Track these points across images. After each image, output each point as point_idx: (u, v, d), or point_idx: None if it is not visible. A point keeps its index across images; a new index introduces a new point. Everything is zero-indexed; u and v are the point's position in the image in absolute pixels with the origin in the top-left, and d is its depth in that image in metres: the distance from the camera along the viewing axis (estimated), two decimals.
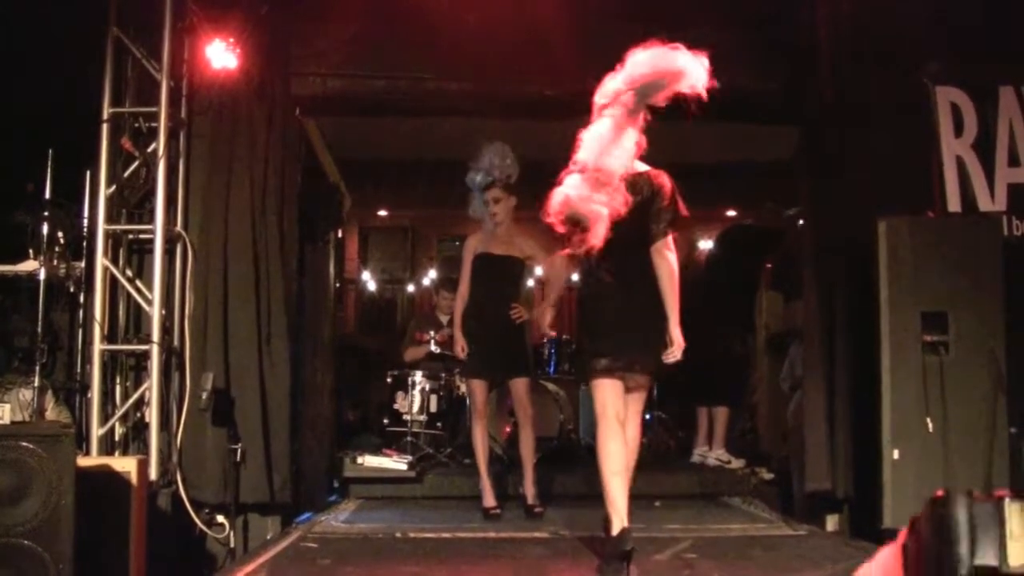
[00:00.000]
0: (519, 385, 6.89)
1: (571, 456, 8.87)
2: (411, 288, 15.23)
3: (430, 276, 14.68)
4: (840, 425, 6.56)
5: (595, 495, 5.04)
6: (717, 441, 8.36)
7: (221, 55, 6.45)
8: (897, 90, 6.69)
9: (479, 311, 6.94)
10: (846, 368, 6.59)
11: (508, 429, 8.65)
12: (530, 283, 11.71)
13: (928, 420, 5.84)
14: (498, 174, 6.84)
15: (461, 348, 6.92)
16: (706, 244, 9.17)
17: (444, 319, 9.41)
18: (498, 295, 6.95)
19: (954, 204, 6.62)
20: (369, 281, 15.16)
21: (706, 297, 8.28)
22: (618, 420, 4.95)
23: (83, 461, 5.12)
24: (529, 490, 6.90)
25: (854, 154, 6.74)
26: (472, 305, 6.98)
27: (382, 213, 15.01)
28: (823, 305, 6.80)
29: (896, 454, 5.86)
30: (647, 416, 9.30)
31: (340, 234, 10.14)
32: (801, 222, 8.30)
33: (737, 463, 8.40)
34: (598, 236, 5.30)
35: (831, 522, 6.72)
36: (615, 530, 4.78)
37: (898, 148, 6.66)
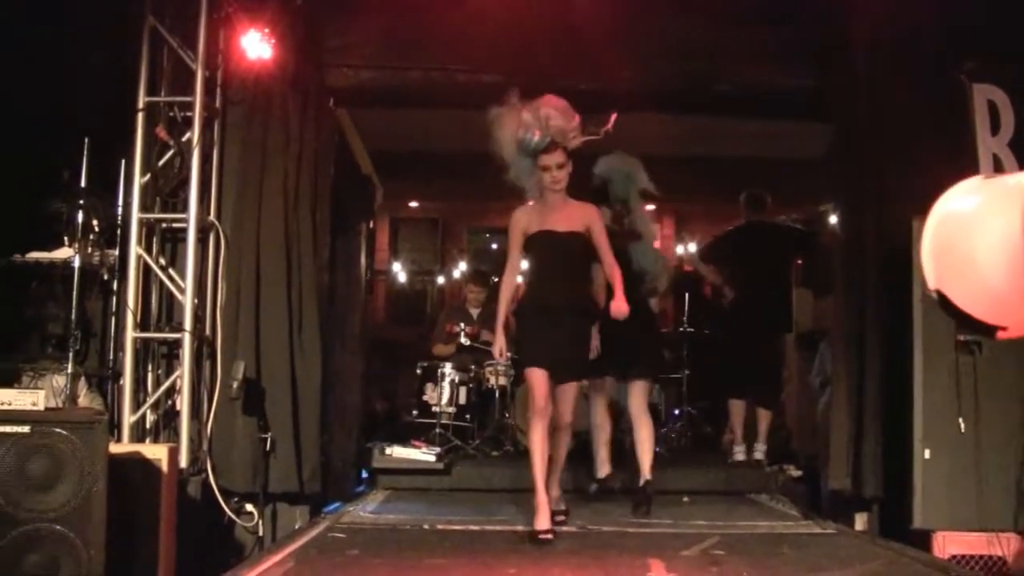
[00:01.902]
0: (569, 390, 5.99)
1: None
2: (441, 280, 15.26)
3: (460, 268, 14.70)
4: (869, 423, 6.52)
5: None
6: (762, 437, 8.31)
7: (256, 45, 6.49)
8: (933, 87, 6.64)
9: (543, 301, 5.98)
10: (876, 366, 6.55)
11: None
12: None
13: (960, 420, 5.81)
14: (557, 133, 5.82)
15: (500, 351, 6.06)
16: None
17: (474, 312, 9.42)
18: (567, 281, 5.99)
19: None
20: (399, 272, 15.20)
21: (748, 296, 8.26)
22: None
23: (115, 448, 5.15)
24: (554, 491, 6.16)
25: (888, 152, 6.69)
26: (533, 294, 6.11)
27: (413, 204, 15.05)
28: (853, 303, 6.76)
29: (927, 454, 5.83)
30: (676, 411, 9.30)
31: (372, 224, 10.17)
32: (833, 219, 8.27)
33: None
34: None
35: (859, 521, 6.67)
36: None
37: (933, 146, 6.60)
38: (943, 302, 2.16)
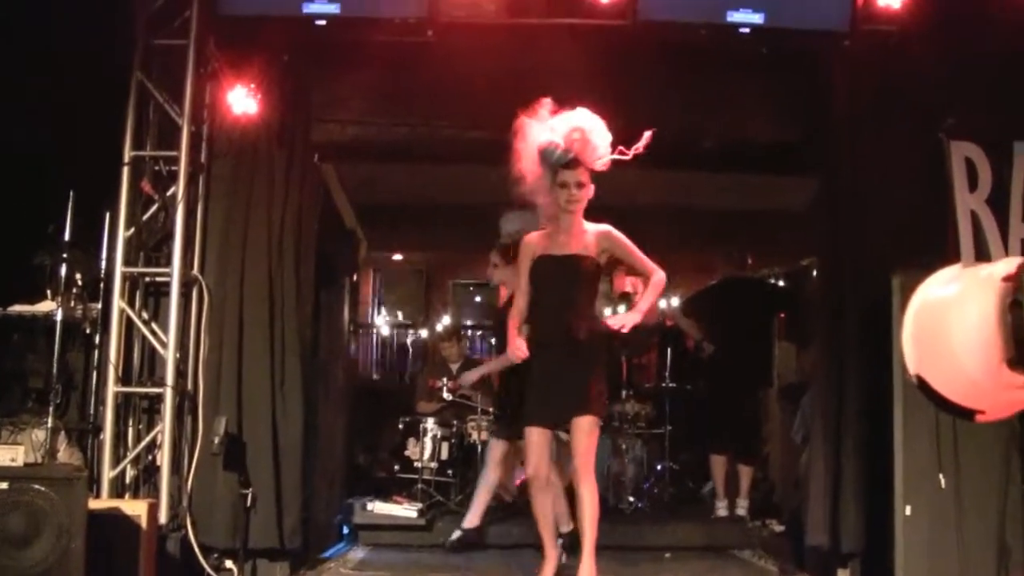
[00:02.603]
0: (580, 426, 5.35)
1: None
2: (424, 332, 15.27)
3: (442, 322, 14.70)
4: (848, 479, 6.52)
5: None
6: (744, 493, 8.30)
7: (242, 101, 6.53)
8: (912, 144, 6.70)
9: (539, 335, 5.56)
10: (855, 422, 6.57)
11: (521, 478, 8.63)
12: None
13: (941, 476, 5.82)
14: (582, 150, 5.43)
15: (518, 348, 5.49)
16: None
17: (454, 367, 9.42)
18: (563, 308, 5.51)
19: (968, 259, 6.58)
20: (383, 324, 15.19)
21: (729, 351, 8.29)
22: None
23: (94, 504, 5.14)
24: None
25: (868, 206, 6.75)
26: (531, 328, 5.64)
27: (397, 257, 15.08)
28: (833, 356, 6.79)
29: (908, 510, 5.84)
30: (658, 466, 9.29)
31: (355, 277, 10.18)
32: (815, 272, 8.33)
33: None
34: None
35: None
36: None
37: (913, 201, 6.67)
38: (923, 386, 2.21)
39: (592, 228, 5.58)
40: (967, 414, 2.20)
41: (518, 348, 5.50)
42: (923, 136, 6.70)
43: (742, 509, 8.22)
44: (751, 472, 8.36)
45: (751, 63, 6.73)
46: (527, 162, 5.48)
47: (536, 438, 5.41)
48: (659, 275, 5.58)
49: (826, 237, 7.10)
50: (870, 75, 6.76)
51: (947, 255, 6.54)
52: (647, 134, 5.38)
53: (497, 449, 7.30)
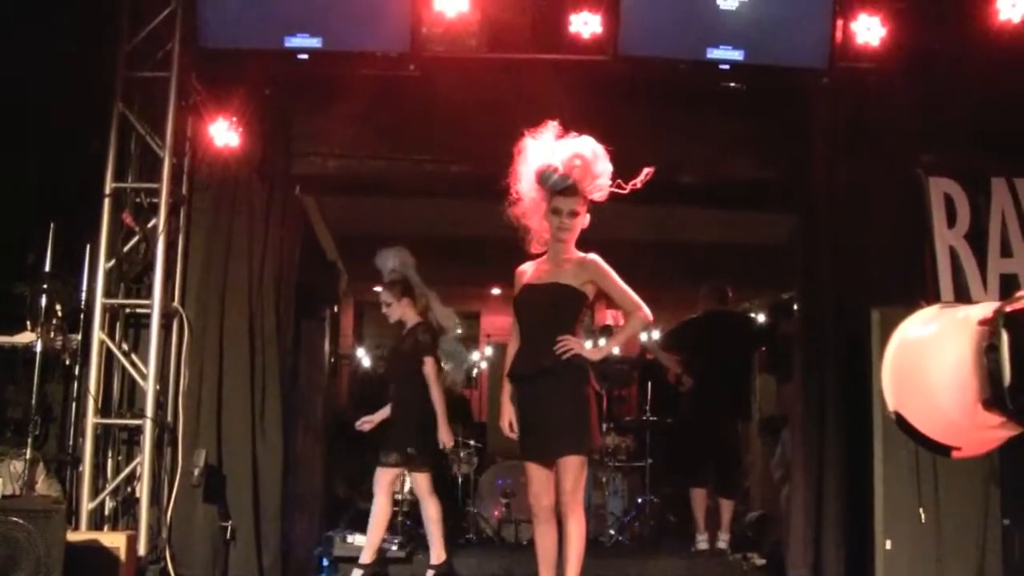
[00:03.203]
0: (565, 466, 5.08)
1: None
2: None
3: None
4: (829, 513, 6.56)
5: None
6: (725, 527, 8.29)
7: (223, 134, 6.55)
8: (891, 180, 6.79)
9: (516, 368, 5.31)
10: (836, 456, 6.60)
11: (498, 512, 8.62)
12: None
13: (921, 511, 5.84)
14: (580, 177, 5.16)
15: (508, 423, 5.34)
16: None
17: None
18: (542, 338, 5.18)
19: (947, 294, 6.66)
20: (363, 357, 15.14)
21: (709, 384, 8.29)
22: None
23: (72, 536, 5.11)
24: None
25: (848, 242, 6.83)
26: (511, 362, 5.37)
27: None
28: (813, 390, 6.83)
29: (888, 544, 5.85)
30: (639, 500, 9.27)
31: (336, 309, 10.17)
32: (795, 307, 8.36)
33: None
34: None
35: None
36: None
37: (892, 237, 6.75)
38: (901, 423, 2.24)
39: (579, 257, 5.30)
40: (944, 450, 2.23)
41: (507, 427, 5.34)
42: (901, 172, 6.79)
43: (723, 542, 8.21)
44: (732, 505, 8.35)
45: (731, 99, 6.77)
46: (524, 184, 5.26)
47: (532, 471, 5.22)
48: (640, 313, 5.23)
49: (805, 272, 7.16)
50: (848, 112, 6.86)
51: (926, 290, 6.61)
52: (646, 170, 5.26)
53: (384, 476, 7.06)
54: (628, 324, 5.41)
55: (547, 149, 5.19)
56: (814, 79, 6.50)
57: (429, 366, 6.80)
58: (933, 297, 6.64)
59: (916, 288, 6.66)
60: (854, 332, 6.39)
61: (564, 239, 5.25)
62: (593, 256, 5.31)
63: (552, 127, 5.22)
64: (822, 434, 6.65)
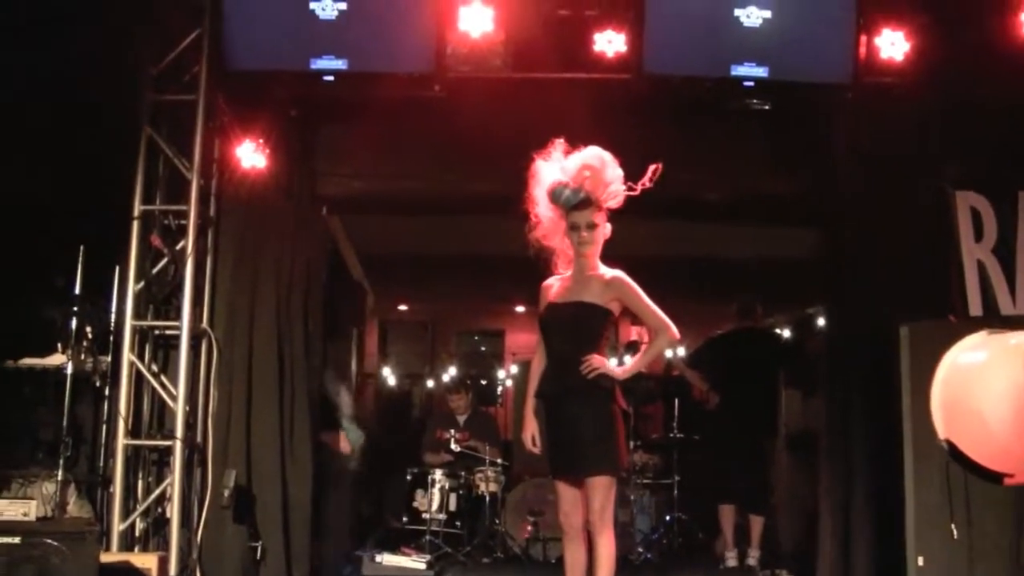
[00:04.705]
0: (593, 486, 5.06)
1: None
2: (430, 383, 15.25)
3: (450, 372, 14.69)
4: (859, 528, 6.52)
5: None
6: (754, 543, 8.26)
7: (250, 155, 6.61)
8: (917, 194, 6.77)
9: (543, 388, 5.29)
10: (864, 471, 6.57)
11: (527, 530, 8.60)
12: None
13: (953, 527, 5.80)
14: (592, 188, 5.11)
15: (531, 438, 5.34)
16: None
17: (461, 419, 9.42)
18: (567, 358, 5.14)
19: (975, 308, 6.62)
20: (389, 376, 15.19)
21: (736, 401, 8.28)
22: None
23: (104, 557, 5.15)
24: None
25: (874, 256, 6.79)
26: (539, 381, 5.34)
27: (402, 307, 15.11)
28: (841, 406, 6.80)
29: (920, 561, 5.81)
30: (667, 517, 9.25)
31: (361, 328, 10.21)
32: (820, 322, 8.35)
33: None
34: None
35: None
36: None
37: (918, 251, 6.72)
38: (952, 451, 2.24)
39: (606, 274, 5.23)
40: (996, 477, 2.23)
41: (530, 441, 5.33)
42: (927, 186, 6.76)
43: (753, 559, 8.18)
44: (761, 521, 8.32)
45: (754, 115, 6.78)
46: (540, 206, 5.24)
47: (561, 489, 5.20)
48: (665, 333, 5.16)
49: (831, 288, 7.14)
50: (873, 126, 6.83)
51: (954, 305, 6.58)
52: (652, 167, 5.24)
53: None
54: (654, 343, 5.29)
55: (556, 167, 5.18)
56: (838, 94, 6.49)
57: None
58: (961, 312, 6.62)
59: (943, 301, 6.63)
60: (882, 347, 6.36)
61: (586, 253, 5.20)
62: (618, 273, 5.25)
63: (559, 145, 5.21)
64: (850, 451, 6.62)
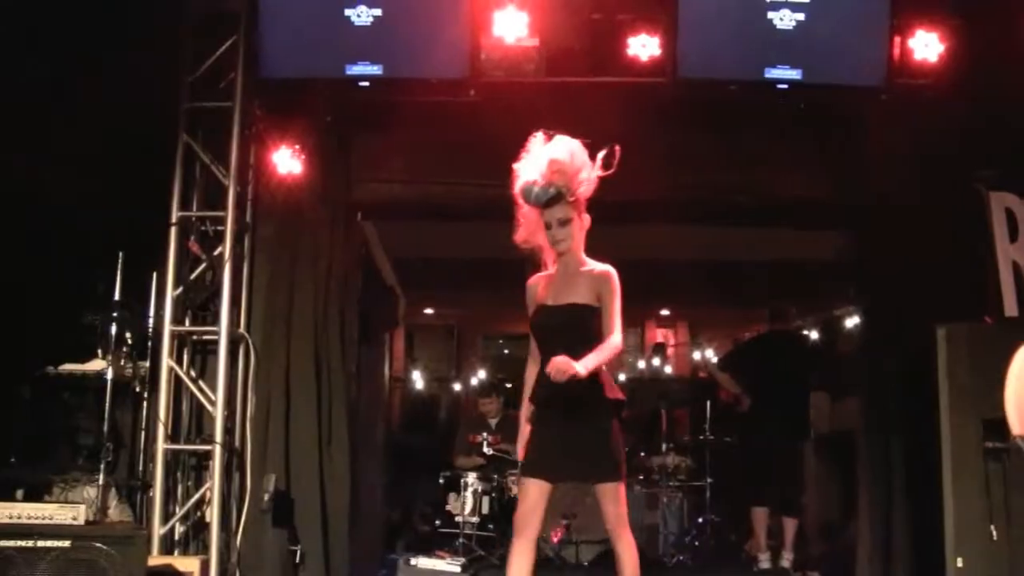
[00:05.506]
0: (605, 494, 4.86)
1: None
2: (457, 387, 15.29)
3: (478, 376, 14.72)
4: (898, 530, 6.52)
5: None
6: (788, 546, 8.27)
7: (286, 161, 6.66)
8: (951, 194, 6.76)
9: (538, 393, 4.98)
10: (901, 472, 6.57)
11: (560, 532, 8.61)
12: None
13: (992, 528, 5.80)
14: (562, 182, 4.87)
15: (523, 446, 5.02)
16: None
17: (493, 423, 9.44)
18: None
19: (1011, 309, 6.61)
20: (416, 380, 15.24)
21: (768, 404, 8.29)
22: None
23: (148, 561, 5.18)
24: None
25: (908, 257, 6.79)
26: (534, 384, 5.06)
27: (428, 311, 15.15)
28: (877, 407, 6.81)
29: (960, 562, 5.81)
30: (699, 519, 9.26)
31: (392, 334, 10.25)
32: (848, 323, 8.35)
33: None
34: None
35: None
36: None
37: (953, 252, 6.71)
38: None
39: (595, 269, 4.99)
40: None
41: (521, 450, 5.03)
42: (960, 187, 6.75)
43: (786, 561, 8.19)
44: (795, 524, 8.33)
45: (788, 118, 6.79)
46: (520, 208, 5.02)
47: (530, 489, 4.84)
48: (613, 340, 4.84)
49: (866, 290, 7.14)
50: (907, 128, 6.82)
51: (989, 306, 6.57)
52: (607, 150, 4.92)
53: None
54: (602, 348, 4.84)
55: (531, 165, 4.96)
56: (872, 97, 6.50)
57: None
58: (997, 313, 6.61)
59: (978, 302, 6.63)
60: (917, 348, 6.36)
61: (563, 250, 4.97)
62: (608, 268, 5.01)
63: (535, 141, 5.03)
64: (887, 454, 6.62)
